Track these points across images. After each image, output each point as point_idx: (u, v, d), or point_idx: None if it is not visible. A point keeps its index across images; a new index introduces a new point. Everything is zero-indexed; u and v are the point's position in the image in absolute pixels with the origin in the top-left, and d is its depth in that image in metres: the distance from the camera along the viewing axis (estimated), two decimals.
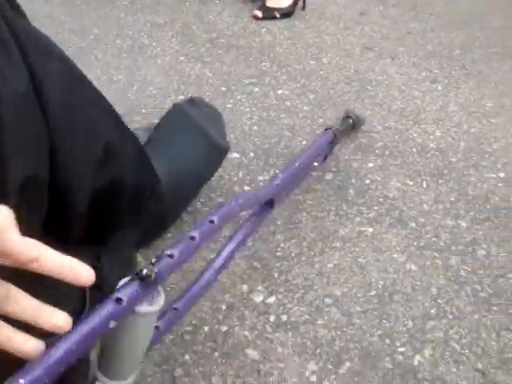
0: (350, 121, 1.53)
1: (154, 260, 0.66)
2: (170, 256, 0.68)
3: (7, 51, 0.61)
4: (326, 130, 1.39)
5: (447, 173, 1.45)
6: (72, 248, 0.78)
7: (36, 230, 0.70)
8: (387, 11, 2.46)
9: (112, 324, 0.59)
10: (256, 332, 1.02)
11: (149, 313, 0.65)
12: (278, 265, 1.16)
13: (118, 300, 0.60)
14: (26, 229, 0.66)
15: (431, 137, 1.59)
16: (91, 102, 0.75)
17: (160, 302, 0.66)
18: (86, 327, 0.57)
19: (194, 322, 1.03)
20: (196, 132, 1.11)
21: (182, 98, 1.72)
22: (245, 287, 1.11)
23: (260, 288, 1.11)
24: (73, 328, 0.55)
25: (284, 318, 1.05)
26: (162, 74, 1.86)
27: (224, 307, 1.06)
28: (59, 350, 0.54)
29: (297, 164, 1.17)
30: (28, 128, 0.62)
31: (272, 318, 1.05)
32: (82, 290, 0.85)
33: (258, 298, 1.09)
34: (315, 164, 1.27)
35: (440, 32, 2.27)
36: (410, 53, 2.09)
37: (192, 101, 1.21)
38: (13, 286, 0.48)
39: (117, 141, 0.77)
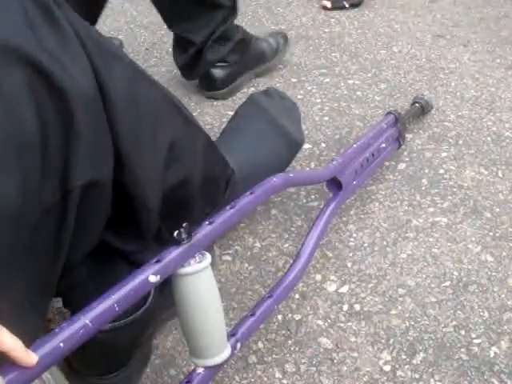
0: (418, 105, 1.51)
1: (188, 226, 0.69)
2: (210, 223, 0.72)
3: (72, 51, 0.63)
4: (387, 113, 1.38)
5: None
6: (150, 247, 0.81)
7: (98, 232, 0.72)
8: None
9: (153, 279, 0.62)
10: (329, 321, 1.03)
11: (197, 270, 0.68)
12: (350, 254, 1.16)
13: (158, 261, 0.64)
14: (87, 231, 0.69)
15: (506, 125, 1.56)
16: (155, 102, 0.77)
17: (207, 260, 0.69)
18: (123, 286, 0.60)
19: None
20: (271, 124, 1.12)
21: (253, 89, 1.74)
22: (318, 276, 1.11)
23: (333, 277, 1.11)
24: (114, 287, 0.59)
25: (357, 307, 1.05)
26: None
27: (297, 296, 1.07)
28: (104, 302, 0.57)
29: (355, 145, 1.17)
30: (93, 126, 0.64)
31: (345, 308, 1.05)
32: None
33: (331, 288, 1.09)
34: (383, 145, 1.26)
35: None
36: (484, 40, 2.04)
37: (267, 92, 1.22)
38: None
39: (184, 137, 0.79)
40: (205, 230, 0.71)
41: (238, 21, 2.15)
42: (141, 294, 0.63)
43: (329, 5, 2.28)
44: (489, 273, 1.11)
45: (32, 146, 0.57)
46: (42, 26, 0.60)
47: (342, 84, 1.76)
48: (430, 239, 1.19)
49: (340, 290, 1.09)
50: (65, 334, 0.55)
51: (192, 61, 1.67)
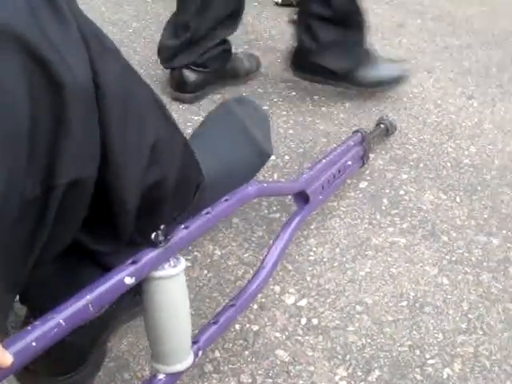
0: (382, 126, 1.53)
1: (166, 229, 0.68)
2: (186, 227, 0.72)
3: (72, 42, 0.61)
4: (354, 132, 1.40)
5: (481, 189, 1.44)
6: (120, 248, 0.79)
7: (73, 231, 0.71)
8: (425, 24, 2.46)
9: (128, 280, 0.62)
10: (287, 333, 1.03)
11: (172, 274, 0.68)
12: (310, 268, 1.16)
13: (134, 262, 0.63)
14: (63, 229, 0.67)
15: (466, 152, 1.59)
16: (143, 98, 0.76)
17: (181, 264, 0.69)
18: (99, 286, 0.59)
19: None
20: (241, 132, 1.12)
21: (218, 96, 1.74)
22: (277, 288, 1.11)
23: (292, 290, 1.11)
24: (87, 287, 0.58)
25: (315, 321, 1.05)
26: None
27: (255, 306, 1.07)
28: (78, 302, 0.56)
29: (324, 160, 1.19)
30: (85, 122, 0.62)
31: (303, 321, 1.05)
32: None
33: (290, 300, 1.09)
34: (349, 163, 1.27)
35: (477, 49, 2.27)
36: (447, 68, 2.08)
37: (240, 100, 1.21)
38: None
39: (165, 138, 0.78)
40: (181, 233, 0.70)
41: None
42: (116, 295, 0.62)
43: None
44: (444, 295, 1.13)
45: (21, 136, 0.55)
46: (44, 12, 0.58)
47: (308, 99, 1.78)
48: (389, 259, 1.20)
49: (298, 304, 1.09)
50: (38, 333, 0.53)
51: (181, 46, 1.65)
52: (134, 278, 0.62)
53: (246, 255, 1.18)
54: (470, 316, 1.09)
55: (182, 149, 0.85)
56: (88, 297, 0.58)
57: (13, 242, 0.58)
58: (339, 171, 1.21)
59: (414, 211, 1.35)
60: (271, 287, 1.11)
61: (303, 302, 1.09)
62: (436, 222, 1.32)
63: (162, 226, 0.67)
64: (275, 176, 1.41)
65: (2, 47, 0.53)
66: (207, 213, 0.75)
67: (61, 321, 0.55)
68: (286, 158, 1.48)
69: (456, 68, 2.09)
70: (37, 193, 0.58)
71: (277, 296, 1.10)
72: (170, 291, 0.68)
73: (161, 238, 0.65)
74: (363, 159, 1.36)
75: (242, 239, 1.22)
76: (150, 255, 0.65)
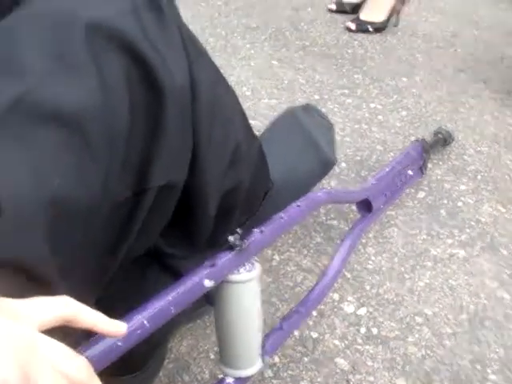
0: (440, 136, 1.52)
1: (242, 233, 0.69)
2: (261, 231, 0.72)
3: (173, 45, 0.62)
4: (414, 141, 1.39)
5: None
6: (193, 254, 0.80)
7: (157, 234, 0.71)
8: (480, 34, 2.43)
9: (207, 283, 0.62)
10: (346, 342, 1.03)
11: (247, 279, 0.68)
12: (369, 277, 1.16)
13: (212, 265, 0.64)
14: (148, 231, 0.67)
15: None
16: (229, 102, 0.76)
17: (257, 269, 0.69)
18: (179, 287, 0.60)
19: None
20: (306, 140, 1.12)
21: (275, 101, 1.74)
22: (336, 296, 1.11)
23: (351, 298, 1.11)
24: (169, 288, 0.58)
25: (374, 331, 1.05)
26: (255, 76, 1.88)
27: (315, 314, 1.07)
28: (160, 303, 0.56)
29: (387, 169, 1.18)
30: (180, 126, 0.63)
31: (363, 330, 1.05)
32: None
33: (349, 309, 1.09)
34: (410, 173, 1.27)
35: None
36: (503, 79, 2.06)
37: (306, 107, 1.21)
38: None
39: (244, 143, 0.78)
40: (256, 237, 0.70)
41: (261, 33, 2.17)
42: (195, 297, 0.62)
43: (353, 27, 2.29)
44: (505, 310, 1.12)
45: (120, 138, 0.56)
46: (147, 14, 0.59)
47: (364, 106, 1.77)
48: (448, 270, 1.19)
49: (358, 312, 1.08)
50: None
51: None
52: (212, 281, 0.63)
53: (304, 261, 1.18)
54: None
55: (257, 155, 0.86)
56: (170, 298, 0.58)
57: (100, 243, 0.59)
58: (401, 180, 1.20)
59: (473, 223, 1.33)
60: (330, 295, 1.11)
61: (362, 311, 1.09)
62: (495, 235, 1.30)
63: (238, 230, 0.67)
64: (332, 183, 1.41)
65: (107, 47, 0.54)
66: (280, 217, 0.75)
67: (145, 321, 0.55)
68: (343, 165, 1.48)
69: None
70: (128, 194, 0.59)
71: (336, 304, 1.10)
72: (245, 295, 0.68)
73: (238, 241, 0.66)
74: (422, 169, 1.35)
75: (300, 245, 1.22)
76: (227, 258, 0.65)
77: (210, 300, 0.72)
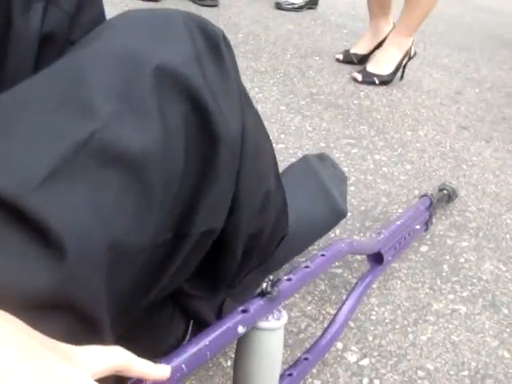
0: (445, 192, 1.55)
1: (274, 280, 0.70)
2: (289, 280, 0.73)
3: (231, 95, 0.63)
4: (422, 196, 1.42)
5: None
6: (212, 295, 0.80)
7: (187, 276, 0.72)
8: (482, 94, 2.49)
9: (241, 329, 0.63)
10: None
11: (277, 327, 0.69)
12: (372, 328, 1.17)
13: (244, 310, 0.64)
14: (180, 274, 0.68)
15: None
16: (267, 150, 0.78)
17: (284, 318, 0.70)
18: (215, 332, 0.60)
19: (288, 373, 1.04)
20: (320, 189, 1.13)
21: (282, 146, 1.77)
22: (339, 345, 1.12)
23: (354, 348, 1.12)
24: (204, 333, 0.59)
25: (377, 382, 1.05)
26: (263, 120, 1.90)
27: (318, 362, 1.07)
28: (197, 347, 0.57)
29: (398, 222, 1.20)
30: (229, 173, 0.64)
31: (365, 381, 1.05)
32: (185, 323, 0.87)
33: (352, 358, 1.09)
34: (417, 227, 1.29)
35: None
36: (505, 138, 2.10)
37: (321, 156, 1.24)
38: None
39: (273, 189, 0.80)
40: (285, 285, 0.71)
41: (270, 77, 2.21)
42: (228, 343, 0.63)
43: (359, 78, 2.33)
44: (506, 369, 1.12)
45: (175, 183, 0.57)
46: (209, 61, 0.60)
47: (369, 157, 1.80)
48: (450, 326, 1.20)
49: (360, 363, 1.09)
50: None
51: None
52: (245, 328, 0.64)
53: (308, 308, 1.19)
54: None
55: (281, 202, 0.87)
56: (206, 342, 0.59)
57: (138, 284, 0.59)
58: (409, 234, 1.22)
59: (475, 280, 1.35)
60: (334, 343, 1.11)
61: (365, 362, 1.09)
62: (496, 294, 1.32)
63: (271, 277, 0.68)
64: (337, 232, 1.42)
65: (171, 92, 0.56)
66: (306, 266, 0.77)
67: (183, 365, 0.56)
68: (348, 214, 1.49)
69: None
70: (170, 236, 0.60)
71: (339, 353, 1.10)
72: (273, 343, 0.69)
73: (270, 288, 0.67)
74: (428, 224, 1.37)
75: (304, 291, 1.23)
76: (258, 304, 0.66)
77: None
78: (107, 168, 0.51)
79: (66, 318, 0.47)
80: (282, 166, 1.45)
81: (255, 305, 0.66)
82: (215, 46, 0.62)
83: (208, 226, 0.63)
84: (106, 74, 0.55)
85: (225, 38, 0.65)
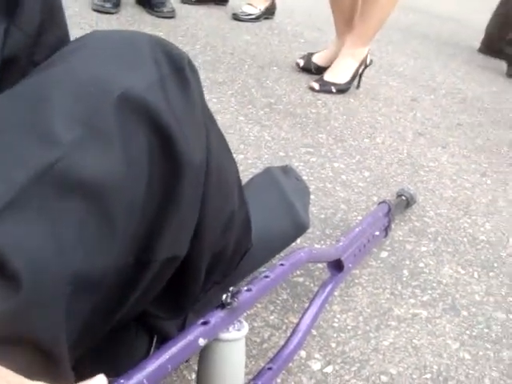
0: (404, 198, 1.57)
1: (234, 291, 0.70)
2: (249, 290, 0.73)
3: (196, 122, 0.62)
4: (381, 202, 1.44)
5: (497, 266, 1.47)
6: (178, 314, 0.80)
7: (150, 300, 0.71)
8: (438, 100, 2.53)
9: (201, 342, 0.63)
10: None
11: (238, 337, 0.69)
12: (334, 335, 1.17)
13: (205, 323, 0.65)
14: (144, 299, 0.67)
15: (481, 229, 1.62)
16: (231, 170, 0.77)
17: (245, 328, 0.70)
18: (176, 346, 0.60)
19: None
20: (282, 201, 1.13)
21: (241, 157, 1.77)
22: (303, 353, 1.12)
23: (317, 356, 1.12)
24: (165, 346, 0.59)
25: None
26: (222, 130, 1.90)
27: (283, 371, 1.07)
28: (158, 361, 0.57)
29: (357, 229, 1.21)
30: (192, 200, 0.63)
31: None
32: (149, 340, 0.86)
33: (316, 366, 1.10)
34: (376, 233, 1.30)
35: (488, 128, 2.33)
36: (461, 144, 2.14)
37: (284, 169, 1.24)
38: None
39: (238, 208, 0.79)
40: (244, 296, 0.71)
41: (228, 88, 2.22)
42: (189, 355, 0.63)
43: (317, 87, 2.36)
44: (467, 370, 1.14)
45: (137, 210, 0.55)
46: (173, 85, 0.59)
47: (328, 165, 1.81)
48: (411, 330, 1.22)
49: (324, 370, 1.09)
50: None
51: None
52: (206, 340, 0.64)
53: (271, 317, 1.19)
54: None
55: (245, 218, 0.87)
56: (167, 356, 0.59)
57: (99, 311, 0.58)
58: (368, 241, 1.23)
59: (434, 284, 1.37)
60: (297, 352, 1.12)
61: (329, 369, 1.10)
62: (456, 297, 1.34)
63: (230, 288, 0.68)
64: (298, 241, 1.42)
65: (133, 118, 0.55)
66: (266, 276, 0.77)
67: (144, 380, 0.55)
68: None
69: (469, 145, 2.15)
70: (132, 263, 0.58)
71: (303, 361, 1.10)
72: (234, 354, 0.69)
73: (229, 299, 0.67)
74: (387, 230, 1.39)
75: (267, 301, 1.23)
76: (219, 316, 0.66)
77: None
78: (67, 198, 0.50)
79: (24, 350, 0.46)
80: (242, 177, 1.45)
81: (215, 316, 0.66)
82: (180, 69, 0.62)
83: (171, 253, 0.63)
84: (68, 99, 0.54)
85: (190, 62, 0.65)
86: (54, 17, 0.69)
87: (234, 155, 1.72)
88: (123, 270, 0.58)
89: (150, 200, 0.57)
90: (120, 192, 0.53)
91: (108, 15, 2.84)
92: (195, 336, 0.62)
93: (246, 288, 0.74)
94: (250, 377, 0.93)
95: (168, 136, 0.58)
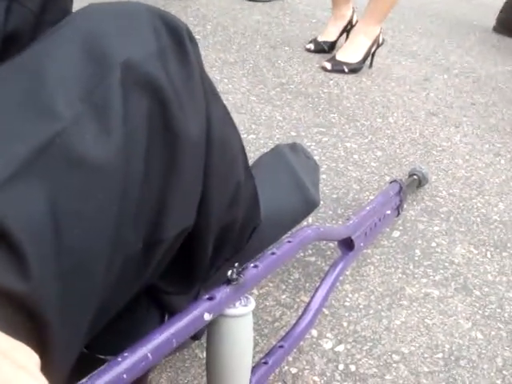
0: (415, 177, 1.56)
1: (240, 267, 0.70)
2: (255, 266, 0.73)
3: (194, 92, 0.61)
4: (392, 181, 1.43)
5: (510, 246, 1.46)
6: (188, 290, 0.80)
7: (158, 275, 0.71)
8: (451, 80, 2.51)
9: (207, 317, 0.63)
10: (325, 378, 1.03)
11: (244, 313, 0.69)
12: (346, 314, 1.17)
13: (210, 298, 0.65)
14: (155, 272, 0.67)
15: (495, 209, 1.61)
16: (235, 141, 0.77)
17: (252, 304, 0.70)
18: (181, 320, 0.60)
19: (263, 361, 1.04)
20: (292, 179, 1.12)
21: (253, 136, 1.76)
22: (314, 332, 1.12)
23: (329, 335, 1.12)
24: (170, 321, 0.59)
25: (353, 368, 1.06)
26: (233, 111, 1.90)
27: (294, 349, 1.08)
28: (163, 335, 0.57)
29: (368, 208, 1.21)
30: (194, 171, 0.63)
31: (341, 367, 1.06)
32: (161, 316, 0.86)
33: (327, 345, 1.10)
34: (388, 212, 1.30)
35: (502, 107, 2.31)
36: (474, 124, 2.12)
37: (293, 146, 1.23)
38: None
39: (243, 181, 0.79)
40: (251, 272, 0.71)
41: (239, 68, 2.21)
42: (195, 330, 0.63)
43: (329, 66, 2.34)
44: (479, 350, 1.14)
45: (135, 186, 0.55)
46: (172, 57, 0.58)
47: (340, 145, 1.80)
48: (423, 309, 1.21)
49: (336, 349, 1.09)
50: (128, 365, 0.53)
51: None
52: (211, 315, 0.64)
53: (283, 296, 1.19)
54: (504, 372, 1.10)
55: (252, 192, 0.87)
56: (172, 331, 0.59)
57: (107, 298, 0.57)
58: (379, 220, 1.23)
59: (447, 264, 1.36)
60: (309, 331, 1.12)
61: (340, 348, 1.10)
62: (468, 276, 1.33)
63: (236, 264, 0.68)
64: (310, 220, 1.43)
65: (135, 89, 0.54)
66: (272, 253, 0.77)
67: (148, 354, 0.55)
68: (320, 202, 1.50)
69: (483, 124, 2.12)
70: (139, 247, 0.58)
71: (314, 340, 1.11)
72: (242, 330, 0.69)
73: (235, 276, 0.67)
74: (399, 209, 1.38)
75: (278, 280, 1.23)
76: (224, 292, 0.66)
77: (195, 335, 0.72)
78: (66, 171, 0.49)
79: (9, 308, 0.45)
80: (253, 157, 1.46)
81: (221, 292, 0.66)
82: (179, 40, 0.61)
83: (179, 230, 0.62)
84: (69, 72, 0.53)
85: (189, 32, 0.64)
86: None
87: (246, 135, 1.73)
88: (132, 255, 0.57)
89: (151, 174, 0.57)
90: (120, 167, 0.53)
91: None
92: (200, 311, 0.62)
93: (252, 264, 0.73)
94: (261, 355, 0.93)
95: (166, 106, 0.57)
